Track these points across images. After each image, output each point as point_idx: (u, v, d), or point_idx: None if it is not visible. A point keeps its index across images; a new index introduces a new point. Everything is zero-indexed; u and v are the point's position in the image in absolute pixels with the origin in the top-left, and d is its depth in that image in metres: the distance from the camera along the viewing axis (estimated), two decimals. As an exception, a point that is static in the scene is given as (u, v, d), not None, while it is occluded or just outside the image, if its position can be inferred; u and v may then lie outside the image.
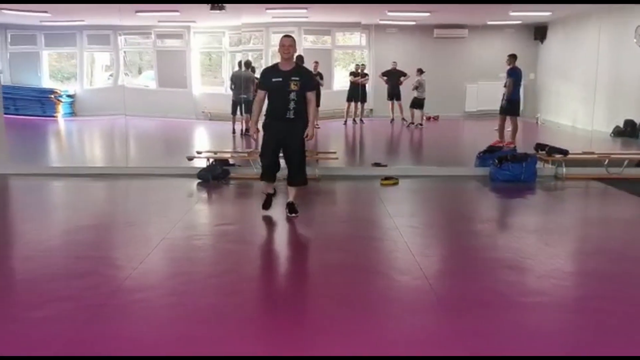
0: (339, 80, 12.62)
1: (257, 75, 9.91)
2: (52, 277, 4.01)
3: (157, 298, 3.68)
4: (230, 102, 11.08)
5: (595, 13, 9.88)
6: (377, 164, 8.36)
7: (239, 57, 12.00)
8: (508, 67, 9.73)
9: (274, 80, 5.28)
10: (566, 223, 5.86)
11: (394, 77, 11.98)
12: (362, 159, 9.84)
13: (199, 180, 7.33)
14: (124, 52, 13.56)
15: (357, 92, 11.87)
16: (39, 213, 6.09)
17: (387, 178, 7.42)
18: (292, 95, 5.25)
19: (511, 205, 6.81)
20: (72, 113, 13.09)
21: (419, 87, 11.80)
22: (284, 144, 5.44)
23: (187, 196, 6.84)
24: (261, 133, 5.52)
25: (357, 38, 13.12)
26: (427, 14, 11.28)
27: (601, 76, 9.46)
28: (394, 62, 12.05)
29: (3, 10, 10.10)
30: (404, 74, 11.88)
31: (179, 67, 13.16)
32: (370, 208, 6.40)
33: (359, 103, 12.07)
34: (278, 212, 5.67)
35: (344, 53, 13.58)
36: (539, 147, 8.11)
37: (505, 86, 9.74)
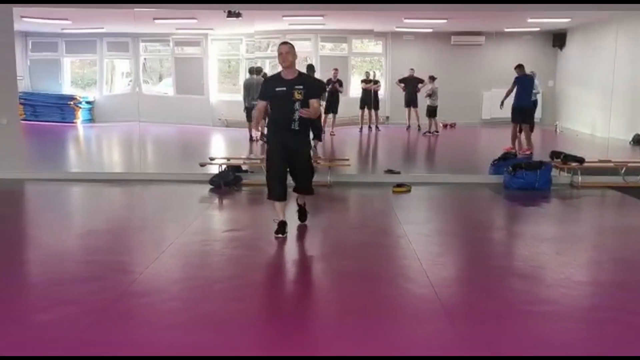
0: (356, 87, 12.62)
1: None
2: (60, 281, 4.06)
3: (161, 303, 3.69)
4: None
5: (614, 20, 9.74)
6: (390, 171, 8.32)
7: (256, 64, 12.06)
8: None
9: (277, 89, 5.00)
10: (579, 232, 5.77)
11: (411, 84, 11.94)
12: (376, 166, 9.81)
13: (211, 187, 7.37)
14: (144, 59, 13.72)
15: (369, 99, 11.86)
16: (53, 217, 6.19)
17: (399, 185, 7.38)
18: (297, 105, 4.96)
19: (524, 213, 6.71)
20: (91, 119, 13.26)
21: (432, 94, 11.75)
22: (289, 157, 5.09)
23: (198, 202, 6.87)
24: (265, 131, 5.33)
25: (373, 45, 13.12)
26: (444, 21, 11.23)
27: (620, 83, 9.31)
28: (412, 69, 12.01)
29: (24, 18, 10.28)
30: (422, 81, 11.83)
31: (197, 74, 13.25)
32: (381, 215, 6.36)
33: (373, 110, 12.04)
34: (288, 218, 5.64)
35: (362, 60, 13.58)
36: (555, 154, 8.01)
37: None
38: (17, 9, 8.12)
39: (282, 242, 5.01)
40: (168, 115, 12.70)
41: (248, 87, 11.28)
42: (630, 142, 10.24)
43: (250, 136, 11.12)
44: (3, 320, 3.35)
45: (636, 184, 7.58)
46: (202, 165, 8.00)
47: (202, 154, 10.29)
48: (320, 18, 10.82)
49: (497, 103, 12.04)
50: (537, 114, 11.05)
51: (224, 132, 12.77)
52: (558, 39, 12.04)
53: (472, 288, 4.05)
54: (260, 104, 5.20)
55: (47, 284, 4.03)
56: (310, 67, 10.10)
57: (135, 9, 8.28)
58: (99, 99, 13.54)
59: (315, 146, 9.46)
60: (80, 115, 12.95)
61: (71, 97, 12.96)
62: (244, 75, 12.83)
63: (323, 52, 12.90)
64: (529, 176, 7.28)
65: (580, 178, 7.61)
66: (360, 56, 13.62)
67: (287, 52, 4.95)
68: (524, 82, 9.69)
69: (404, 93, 12.05)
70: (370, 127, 12.16)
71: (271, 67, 11.68)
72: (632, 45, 9.59)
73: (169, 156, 10.77)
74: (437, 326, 3.38)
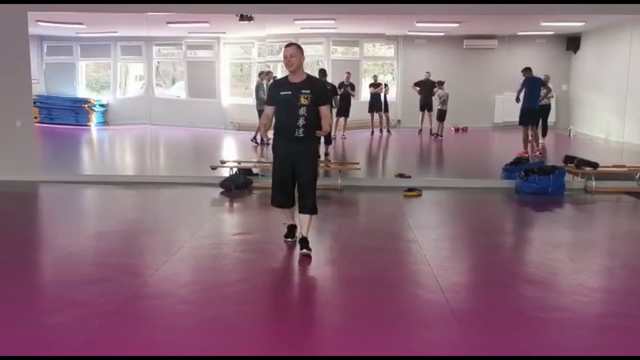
0: (366, 91, 12.61)
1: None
2: (70, 282, 4.08)
3: (170, 306, 3.70)
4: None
5: (630, 23, 9.64)
6: (401, 175, 8.29)
7: (271, 66, 12.10)
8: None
9: (282, 93, 4.70)
10: (593, 238, 5.70)
11: (426, 88, 11.92)
12: (386, 170, 9.78)
13: (222, 190, 7.39)
14: (157, 62, 13.81)
15: (376, 102, 11.88)
16: (65, 220, 6.24)
17: (410, 189, 7.35)
18: (302, 111, 4.63)
19: (536, 218, 6.65)
20: (105, 122, 13.36)
21: (446, 99, 11.73)
22: (294, 164, 4.78)
23: (209, 205, 6.89)
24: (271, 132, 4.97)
25: (385, 49, 13.09)
26: (457, 25, 11.17)
27: (635, 87, 9.20)
28: (427, 73, 11.98)
29: (39, 23, 10.40)
30: (438, 84, 11.85)
31: (209, 77, 13.32)
32: (391, 219, 6.34)
33: (382, 113, 12.06)
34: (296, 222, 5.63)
35: (374, 64, 13.57)
36: (568, 159, 7.93)
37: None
38: (32, 14, 8.22)
39: (291, 246, 4.99)
40: (180, 118, 12.77)
41: (257, 90, 11.36)
42: (645, 147, 10.12)
43: (262, 139, 11.15)
44: (13, 321, 3.37)
45: (651, 189, 7.50)
46: (214, 168, 8.04)
47: (213, 157, 10.32)
48: (332, 22, 10.82)
49: (509, 107, 11.99)
50: (551, 118, 10.98)
51: (236, 135, 12.80)
52: (572, 42, 11.92)
53: (482, 294, 4.01)
54: (268, 110, 4.85)
55: (58, 285, 4.07)
56: (322, 72, 10.12)
57: (148, 13, 8.32)
58: (112, 102, 13.64)
59: (327, 152, 9.48)
60: (94, 118, 13.06)
61: (85, 100, 13.07)
62: (255, 79, 12.88)
63: (335, 56, 12.90)
64: (542, 181, 7.21)
65: (594, 183, 7.52)
66: (372, 60, 13.61)
67: (291, 54, 4.63)
68: (533, 84, 9.68)
69: (418, 97, 12.04)
70: (381, 131, 12.15)
71: (282, 72, 11.71)
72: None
73: (181, 159, 10.83)
74: (447, 332, 3.35)
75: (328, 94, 5.13)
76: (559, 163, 7.93)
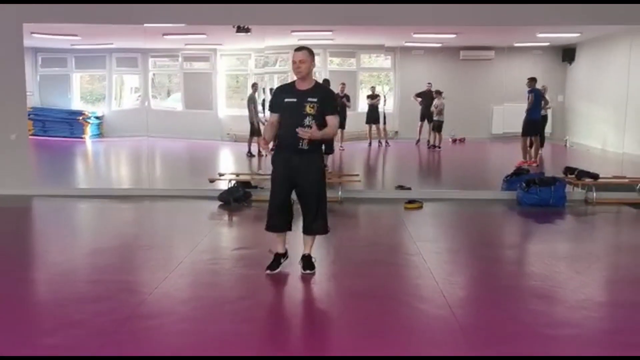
0: (364, 102, 12.58)
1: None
2: (66, 301, 3.97)
3: (170, 325, 3.59)
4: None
5: (624, 34, 9.66)
6: (401, 187, 8.22)
7: (267, 78, 12.04)
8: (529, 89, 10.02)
9: (286, 100, 4.31)
10: (597, 250, 5.62)
11: (427, 98, 11.90)
12: (386, 182, 9.71)
13: (220, 203, 7.29)
14: (153, 74, 13.74)
15: (374, 114, 11.86)
16: (60, 235, 6.12)
17: (411, 201, 7.27)
18: (307, 120, 4.22)
19: (539, 230, 6.57)
20: (100, 134, 13.25)
21: (442, 109, 11.71)
22: (296, 182, 4.39)
23: (207, 219, 6.79)
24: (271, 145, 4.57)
25: (381, 60, 13.08)
26: (453, 36, 11.17)
27: (632, 98, 9.20)
28: (429, 83, 11.96)
29: (34, 35, 10.32)
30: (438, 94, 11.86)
31: (205, 89, 13.24)
32: (393, 232, 6.26)
33: (379, 125, 12.03)
34: (296, 235, 5.49)
35: (370, 75, 13.55)
36: (568, 170, 7.89)
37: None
38: (27, 25, 8.14)
39: (291, 259, 4.81)
40: (176, 130, 12.66)
41: (248, 102, 11.32)
42: (643, 158, 10.10)
43: (249, 151, 11.06)
44: (8, 342, 3.26)
45: (652, 200, 7.45)
46: (212, 181, 7.94)
47: (210, 169, 10.24)
48: (329, 33, 10.80)
49: (508, 117, 12.00)
50: (547, 129, 10.98)
51: (233, 147, 12.72)
52: (567, 53, 11.95)
53: (490, 309, 3.91)
54: (272, 118, 4.47)
55: (54, 304, 3.94)
56: (326, 82, 10.05)
57: (146, 25, 8.25)
58: (107, 114, 13.53)
59: (325, 164, 9.39)
60: (89, 130, 12.94)
61: (80, 113, 12.96)
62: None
63: (331, 67, 12.87)
64: (543, 192, 7.16)
65: (595, 194, 7.47)
66: (369, 71, 13.59)
67: (301, 60, 4.23)
68: (537, 95, 9.81)
69: (417, 107, 12.02)
70: (380, 143, 12.11)
71: (278, 83, 11.66)
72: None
73: (178, 171, 10.73)
74: (455, 349, 3.27)
75: (336, 104, 4.64)
76: (557, 173, 7.88)
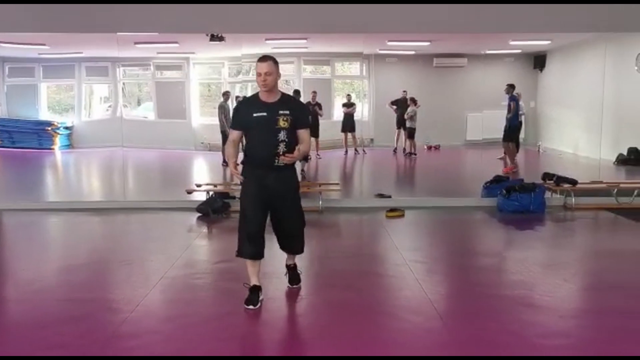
0: (339, 110, 12.55)
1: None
2: (43, 322, 3.76)
3: (155, 345, 3.44)
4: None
5: (593, 41, 9.84)
6: (380, 195, 8.17)
7: (238, 87, 11.92)
8: (508, 95, 10.15)
9: (255, 115, 3.89)
10: (583, 257, 5.64)
11: (403, 106, 11.93)
12: (365, 190, 9.65)
13: (199, 214, 7.12)
14: (123, 83, 13.49)
15: (346, 122, 11.86)
16: (31, 251, 5.86)
17: (392, 210, 7.21)
18: (282, 135, 3.89)
19: (523, 238, 6.55)
20: (69, 145, 12.94)
21: (413, 116, 11.77)
22: (272, 205, 4.06)
23: (186, 231, 6.61)
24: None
25: (356, 68, 13.08)
26: (427, 44, 11.23)
27: (603, 104, 9.35)
28: (404, 91, 12.01)
29: (1, 44, 10.02)
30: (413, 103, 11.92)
31: (178, 98, 13.06)
32: (377, 242, 6.18)
33: (354, 133, 12.06)
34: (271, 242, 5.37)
35: (343, 83, 13.53)
36: (547, 176, 7.94)
37: (509, 112, 9.85)
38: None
39: (275, 272, 4.68)
40: (149, 140, 12.45)
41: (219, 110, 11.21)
42: (614, 162, 10.26)
43: (224, 160, 10.91)
44: (-18, 370, 3.07)
45: (629, 204, 7.53)
46: (189, 192, 7.76)
47: (186, 180, 10.05)
48: (304, 41, 10.73)
49: (482, 124, 12.11)
50: (521, 134, 11.11)
51: (207, 156, 12.54)
52: (538, 60, 12.15)
53: (482, 320, 3.84)
54: (234, 135, 4.04)
55: (29, 326, 3.71)
56: (297, 93, 9.95)
57: (119, 34, 8.04)
58: (77, 124, 13.24)
59: (303, 168, 9.29)
60: (58, 141, 12.62)
61: (49, 123, 12.65)
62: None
63: (305, 75, 12.83)
64: (524, 199, 7.18)
65: (574, 200, 7.53)
66: (343, 79, 13.58)
67: (267, 72, 3.86)
68: (517, 101, 10.02)
69: (392, 115, 12.05)
70: (356, 151, 12.09)
71: (253, 91, 11.53)
72: (613, 67, 9.66)
73: (152, 182, 10.48)
74: (453, 364, 3.19)
75: (308, 116, 4.38)
76: (535, 180, 7.92)
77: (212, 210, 7.09)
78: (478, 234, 6.75)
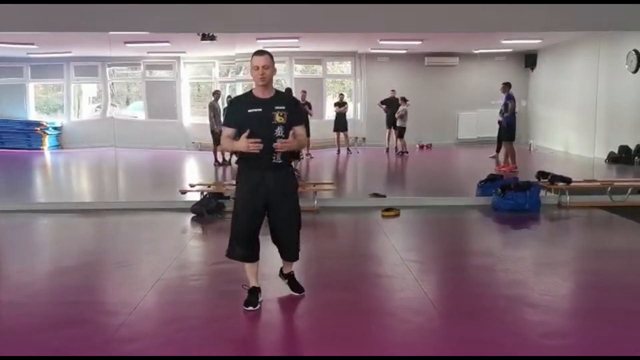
0: (331, 109, 12.53)
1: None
2: (38, 327, 3.68)
3: (154, 348, 3.37)
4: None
5: (584, 40, 9.89)
6: (375, 195, 8.13)
7: (228, 87, 11.86)
8: (504, 94, 10.06)
9: (250, 111, 3.79)
10: (581, 255, 5.64)
11: (392, 105, 11.93)
12: (360, 190, 9.61)
13: (193, 215, 7.05)
14: (112, 83, 13.36)
15: (338, 122, 11.86)
16: (23, 253, 5.74)
17: (388, 209, 7.18)
18: (279, 131, 3.79)
19: (520, 236, 6.52)
20: (59, 145, 12.80)
21: (403, 115, 11.78)
22: (269, 209, 3.94)
23: (181, 232, 6.54)
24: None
25: (347, 67, 13.06)
26: (419, 43, 11.23)
27: (593, 102, 9.39)
28: (393, 91, 12.02)
29: (-12, 44, 9.90)
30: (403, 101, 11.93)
31: (169, 97, 12.97)
32: (374, 242, 6.14)
33: (346, 132, 12.06)
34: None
35: (334, 82, 13.51)
36: (541, 174, 7.95)
37: (504, 112, 9.89)
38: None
39: (272, 273, 4.61)
40: (140, 140, 12.36)
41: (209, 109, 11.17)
42: (605, 160, 10.32)
43: (219, 159, 10.86)
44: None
45: (623, 203, 7.56)
46: (183, 192, 7.69)
47: (178, 180, 9.96)
48: (296, 40, 10.68)
49: (473, 123, 12.16)
50: (514, 133, 11.14)
51: (198, 156, 12.46)
52: (530, 59, 12.21)
53: (485, 321, 3.80)
54: (228, 132, 3.88)
55: (25, 331, 3.63)
56: (289, 91, 9.92)
57: (111, 33, 7.94)
58: (66, 124, 13.10)
59: (296, 168, 9.24)
60: (47, 141, 12.48)
61: (37, 123, 12.51)
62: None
63: (296, 74, 12.79)
64: (519, 197, 7.17)
65: (568, 198, 7.54)
66: (335, 78, 13.56)
67: (264, 65, 3.76)
68: (514, 100, 10.00)
69: (384, 114, 12.06)
70: (348, 150, 12.07)
71: (243, 91, 11.46)
72: (604, 65, 9.70)
73: (144, 182, 10.38)
74: (459, 365, 3.16)
75: (302, 113, 4.36)
76: (529, 178, 7.94)
77: (207, 210, 7.02)
78: (474, 233, 6.74)
